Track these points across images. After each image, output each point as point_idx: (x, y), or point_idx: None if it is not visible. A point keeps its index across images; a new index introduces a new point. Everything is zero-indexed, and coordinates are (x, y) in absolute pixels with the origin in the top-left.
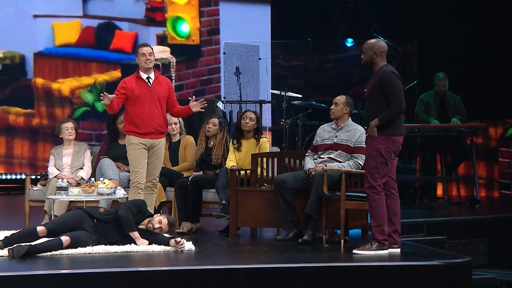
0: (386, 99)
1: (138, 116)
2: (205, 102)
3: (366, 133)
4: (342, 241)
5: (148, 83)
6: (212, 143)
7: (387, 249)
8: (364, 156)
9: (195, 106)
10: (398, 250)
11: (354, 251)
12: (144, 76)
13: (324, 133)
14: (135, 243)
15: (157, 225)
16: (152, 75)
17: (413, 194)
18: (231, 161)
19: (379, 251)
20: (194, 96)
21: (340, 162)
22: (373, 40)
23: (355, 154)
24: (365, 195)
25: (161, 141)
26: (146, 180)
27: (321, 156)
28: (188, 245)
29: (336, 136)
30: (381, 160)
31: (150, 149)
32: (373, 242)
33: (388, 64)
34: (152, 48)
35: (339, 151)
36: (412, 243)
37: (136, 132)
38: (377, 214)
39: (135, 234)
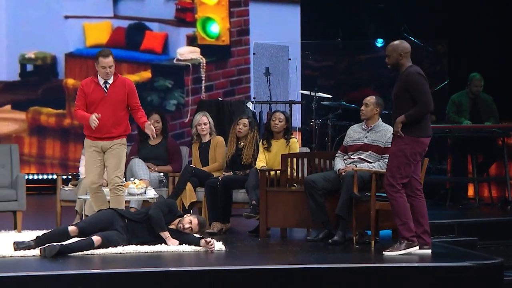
0: (413, 100)
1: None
2: (155, 134)
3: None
4: (373, 242)
5: (105, 89)
6: (242, 143)
7: (417, 246)
8: None
9: (148, 129)
10: (429, 251)
11: (384, 252)
12: (101, 81)
13: (354, 133)
14: (165, 243)
15: (187, 225)
16: (110, 80)
17: (444, 195)
18: (261, 162)
19: (409, 249)
20: (149, 122)
21: (370, 162)
22: (396, 42)
23: (386, 155)
24: None
25: (114, 142)
26: (108, 182)
27: (351, 156)
28: (218, 245)
29: (366, 137)
30: (404, 161)
31: (104, 151)
32: (402, 241)
33: (414, 64)
34: (113, 57)
35: (369, 151)
36: (443, 244)
37: (89, 135)
38: (400, 212)
39: (166, 234)
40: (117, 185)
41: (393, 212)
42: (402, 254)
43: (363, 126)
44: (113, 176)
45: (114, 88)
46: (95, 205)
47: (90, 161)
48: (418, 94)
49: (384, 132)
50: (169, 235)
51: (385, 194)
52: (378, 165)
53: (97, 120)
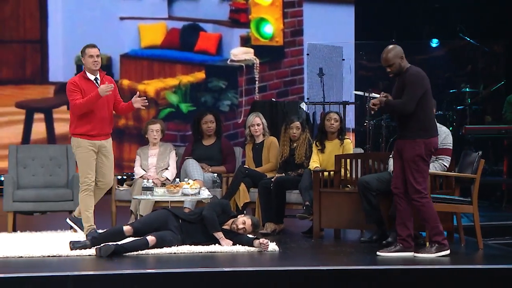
0: (418, 103)
1: (88, 118)
2: (146, 101)
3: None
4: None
5: (96, 84)
6: (295, 144)
7: (448, 249)
8: (450, 158)
9: (137, 102)
10: (412, 253)
11: (415, 254)
12: (91, 77)
13: None
14: (219, 244)
15: (241, 226)
16: (98, 76)
17: (500, 196)
18: (314, 162)
19: (440, 252)
20: (138, 92)
21: None
22: (393, 49)
23: (440, 156)
24: (452, 197)
25: (108, 141)
26: (98, 182)
27: None
28: (272, 246)
29: None
30: (423, 164)
31: (99, 151)
32: (433, 244)
33: (413, 66)
34: (99, 50)
35: None
36: (498, 246)
37: (85, 134)
38: (429, 217)
39: (220, 235)
40: (107, 187)
41: (421, 218)
42: (434, 257)
43: None
44: (112, 177)
45: (104, 84)
46: (86, 207)
47: (90, 161)
48: (407, 92)
49: (438, 133)
50: (222, 235)
51: (440, 196)
52: (432, 166)
53: (110, 85)
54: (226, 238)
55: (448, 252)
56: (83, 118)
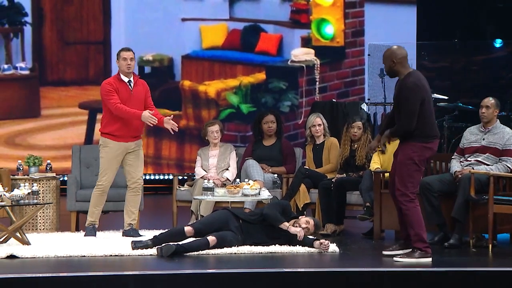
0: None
1: (119, 119)
2: (176, 126)
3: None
4: (490, 245)
5: (129, 86)
6: (356, 145)
7: (430, 257)
8: None
9: (168, 123)
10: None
11: (395, 258)
12: (125, 79)
13: (471, 135)
14: (280, 244)
15: (304, 225)
16: (132, 79)
17: None
18: (375, 163)
19: (422, 258)
20: (172, 115)
21: (487, 165)
22: (389, 49)
23: (504, 157)
24: None
25: (137, 143)
26: (128, 182)
27: (468, 159)
28: (332, 247)
29: (483, 139)
30: (414, 168)
31: (127, 152)
32: (415, 250)
33: (414, 71)
34: (133, 53)
35: (486, 154)
36: None
37: (113, 135)
38: (413, 222)
39: (286, 225)
40: (139, 186)
41: (407, 222)
42: (415, 262)
43: (481, 128)
44: (139, 177)
45: (137, 87)
46: (95, 204)
47: (113, 162)
48: (403, 110)
49: (502, 134)
50: (288, 224)
51: (504, 197)
52: (496, 168)
53: (154, 117)
54: (286, 239)
55: (430, 260)
56: (113, 117)
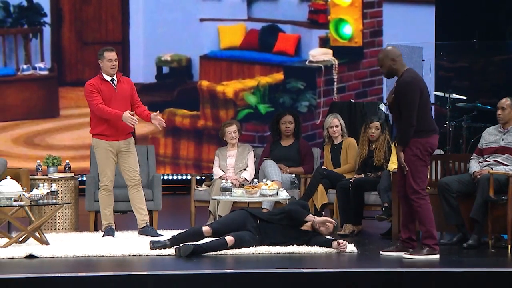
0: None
1: (106, 120)
2: (164, 122)
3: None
4: (509, 246)
5: (113, 85)
6: (374, 145)
7: (438, 254)
8: None
9: (155, 119)
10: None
11: (404, 255)
12: (108, 78)
13: (490, 136)
14: (298, 244)
15: (322, 226)
16: (115, 77)
17: None
18: (393, 164)
19: (430, 255)
20: (158, 111)
21: (506, 165)
22: (385, 49)
23: None
24: None
25: (129, 140)
26: (126, 181)
27: (487, 159)
28: (350, 247)
29: (502, 139)
30: (421, 164)
31: (118, 151)
32: (424, 247)
33: (410, 68)
34: (116, 54)
35: (506, 154)
36: None
37: (103, 135)
38: (424, 219)
39: (311, 217)
40: (138, 182)
41: (418, 219)
42: (424, 259)
43: (499, 129)
44: (135, 174)
45: (121, 84)
46: (104, 206)
47: (108, 161)
48: (403, 107)
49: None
50: (312, 216)
51: None
52: None
53: (134, 118)
54: (304, 239)
55: (437, 256)
56: (100, 118)
